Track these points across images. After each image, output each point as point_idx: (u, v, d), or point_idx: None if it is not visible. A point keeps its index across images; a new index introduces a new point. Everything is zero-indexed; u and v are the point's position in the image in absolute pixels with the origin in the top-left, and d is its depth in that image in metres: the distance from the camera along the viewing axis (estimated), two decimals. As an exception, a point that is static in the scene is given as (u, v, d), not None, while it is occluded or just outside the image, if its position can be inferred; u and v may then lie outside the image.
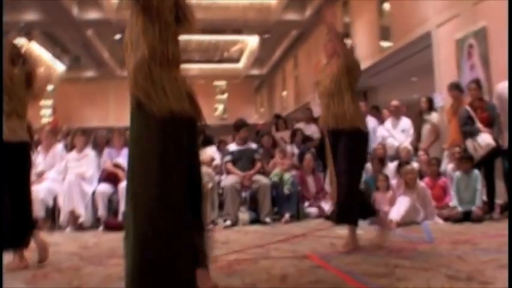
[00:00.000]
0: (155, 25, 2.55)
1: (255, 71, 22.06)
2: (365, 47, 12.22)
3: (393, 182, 6.62)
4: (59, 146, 7.65)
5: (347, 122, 4.39)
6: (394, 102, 8.48)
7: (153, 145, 2.45)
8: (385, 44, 11.33)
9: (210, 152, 7.23)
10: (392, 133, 8.23)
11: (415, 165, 6.91)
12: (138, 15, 2.58)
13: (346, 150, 4.39)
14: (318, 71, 4.84)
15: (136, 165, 2.50)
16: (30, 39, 15.58)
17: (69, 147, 7.89)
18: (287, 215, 6.80)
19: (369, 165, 7.25)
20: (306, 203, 7.30)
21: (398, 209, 5.91)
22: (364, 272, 3.36)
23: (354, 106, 4.44)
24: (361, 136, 4.52)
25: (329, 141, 4.58)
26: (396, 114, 8.36)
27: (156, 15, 2.55)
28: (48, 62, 17.78)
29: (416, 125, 8.33)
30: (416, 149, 7.90)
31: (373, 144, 7.73)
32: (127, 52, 2.65)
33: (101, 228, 6.69)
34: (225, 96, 24.05)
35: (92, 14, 14.77)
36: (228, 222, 6.58)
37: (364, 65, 12.07)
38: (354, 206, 4.43)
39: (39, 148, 7.51)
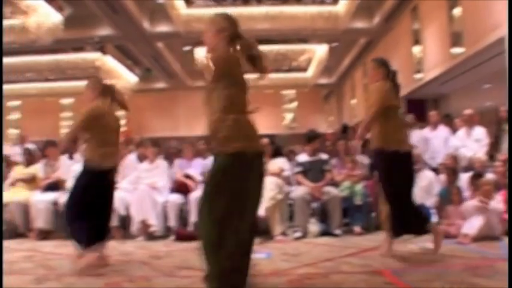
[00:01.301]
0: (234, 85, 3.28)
1: (324, 80, 21.93)
2: (435, 54, 11.97)
3: (466, 194, 6.43)
4: (132, 157, 7.86)
5: (391, 143, 4.81)
6: (468, 111, 8.25)
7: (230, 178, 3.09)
8: (456, 50, 11.03)
9: (279, 163, 7.24)
10: (465, 143, 8.01)
11: (490, 176, 6.69)
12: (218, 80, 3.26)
13: (385, 167, 4.88)
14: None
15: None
16: (104, 52, 16.20)
17: (142, 158, 8.11)
18: (358, 227, 6.73)
19: (442, 177, 7.08)
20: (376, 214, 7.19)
21: (472, 222, 5.73)
22: (438, 291, 3.30)
23: (395, 129, 4.86)
24: (405, 156, 4.86)
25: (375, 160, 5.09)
26: (469, 123, 8.12)
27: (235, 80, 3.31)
28: (122, 73, 18.33)
29: (492, 134, 8.07)
30: (492, 158, 7.64)
31: (445, 154, 7.56)
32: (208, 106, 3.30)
33: (172, 237, 6.84)
34: (294, 105, 24.01)
35: (162, 27, 15.14)
36: (298, 234, 6.58)
37: (434, 72, 11.87)
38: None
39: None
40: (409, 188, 4.82)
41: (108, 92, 5.14)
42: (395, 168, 4.77)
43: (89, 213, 4.69)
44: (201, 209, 3.13)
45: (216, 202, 3.02)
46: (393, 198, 4.77)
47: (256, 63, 3.42)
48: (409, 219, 4.77)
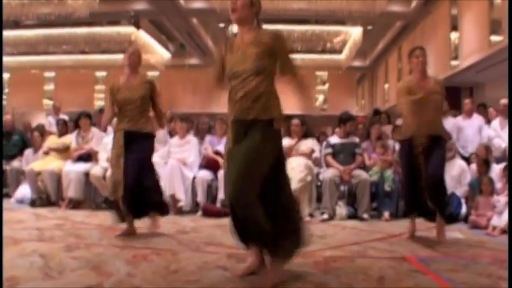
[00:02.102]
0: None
1: (357, 63, 21.72)
2: (473, 41, 11.71)
3: (499, 185, 6.32)
4: (163, 131, 7.93)
5: (443, 132, 5.08)
6: (504, 101, 8.08)
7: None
8: (495, 38, 10.78)
9: (310, 144, 7.21)
10: (499, 133, 7.87)
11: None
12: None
13: (443, 153, 5.04)
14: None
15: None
16: (138, 27, 16.28)
17: (173, 133, 8.16)
18: (386, 213, 6.69)
19: (473, 167, 6.98)
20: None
21: (503, 215, 5.65)
22: (465, 281, 3.27)
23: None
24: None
25: (423, 146, 4.90)
26: (505, 113, 7.96)
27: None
28: (155, 49, 18.42)
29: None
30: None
31: (478, 144, 7.44)
32: None
33: (199, 213, 6.90)
34: (326, 86, 23.86)
35: (197, 3, 15.12)
36: (325, 216, 6.58)
37: (471, 59, 11.62)
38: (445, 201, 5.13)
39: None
40: None
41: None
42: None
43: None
44: None
45: None
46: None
47: None
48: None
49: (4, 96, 24.09)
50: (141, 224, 5.19)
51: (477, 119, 8.40)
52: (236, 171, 3.16)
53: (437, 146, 4.90)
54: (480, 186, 6.28)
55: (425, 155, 4.83)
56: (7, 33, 17.14)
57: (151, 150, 5.26)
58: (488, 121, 8.40)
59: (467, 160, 7.40)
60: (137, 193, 4.89)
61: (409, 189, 5.13)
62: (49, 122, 10.69)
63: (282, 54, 3.40)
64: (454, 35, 12.92)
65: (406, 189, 5.36)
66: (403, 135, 5.10)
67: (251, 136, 3.26)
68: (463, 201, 6.57)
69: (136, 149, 4.94)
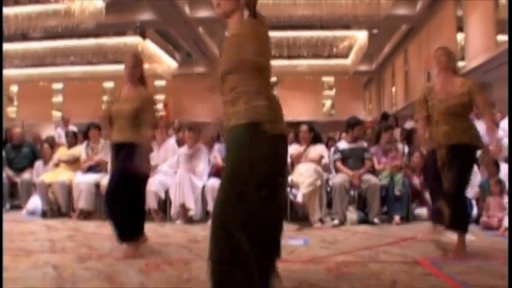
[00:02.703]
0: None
1: (364, 67, 21.76)
2: (479, 41, 11.70)
3: (508, 186, 6.30)
4: (171, 140, 7.93)
5: (473, 138, 4.59)
6: None
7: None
8: (501, 37, 10.76)
9: (318, 150, 7.22)
10: (508, 134, 7.83)
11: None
12: None
13: (467, 163, 4.59)
14: (428, 68, 4.92)
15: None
16: (144, 37, 16.38)
17: (181, 142, 8.18)
18: (397, 217, 6.67)
19: (483, 169, 6.96)
20: (414, 204, 7.13)
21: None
22: (478, 283, 3.26)
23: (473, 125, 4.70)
24: (476, 151, 4.83)
25: (447, 156, 4.53)
26: (514, 112, 7.92)
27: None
28: (162, 58, 18.51)
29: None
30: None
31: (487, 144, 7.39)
32: None
33: (210, 222, 6.88)
34: (333, 92, 23.88)
35: (203, 12, 15.19)
36: (336, 221, 6.57)
37: (478, 60, 11.60)
38: (467, 214, 4.64)
39: (154, 142, 7.81)
40: None
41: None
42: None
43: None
44: None
45: None
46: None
47: None
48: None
49: (13, 109, 24.26)
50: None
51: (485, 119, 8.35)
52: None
53: (460, 156, 4.49)
54: (490, 187, 6.27)
55: (448, 166, 4.53)
56: (15, 46, 17.34)
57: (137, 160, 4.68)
58: (496, 124, 8.35)
59: (477, 161, 7.36)
60: (116, 205, 4.55)
61: (434, 201, 4.94)
62: (58, 134, 10.75)
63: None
64: (460, 36, 12.92)
65: (431, 200, 5.22)
66: (428, 147, 4.87)
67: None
68: (474, 202, 6.55)
69: (120, 158, 4.65)
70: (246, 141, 2.64)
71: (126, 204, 4.49)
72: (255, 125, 2.63)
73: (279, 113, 2.76)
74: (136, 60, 4.98)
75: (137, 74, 4.89)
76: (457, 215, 4.43)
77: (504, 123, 8.01)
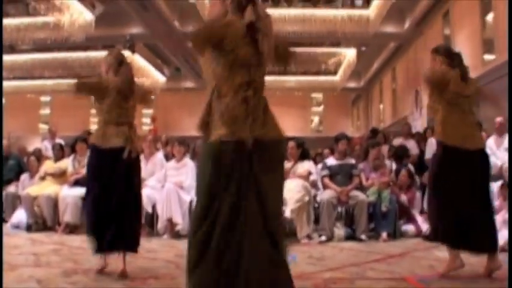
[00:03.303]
0: (220, 56, 2.58)
1: (352, 84, 21.88)
2: (466, 60, 11.57)
3: (496, 203, 6.32)
4: (159, 155, 7.91)
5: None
6: (499, 119, 8.07)
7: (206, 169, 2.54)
8: (488, 56, 10.87)
9: (306, 166, 7.22)
10: (495, 152, 7.87)
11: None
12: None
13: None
14: None
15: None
16: (133, 51, 16.37)
17: (169, 157, 8.15)
18: (384, 234, 6.67)
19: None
20: (401, 221, 7.14)
21: (502, 233, 5.63)
22: (466, 301, 3.25)
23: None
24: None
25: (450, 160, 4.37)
26: (500, 131, 7.97)
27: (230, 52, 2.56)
28: (150, 72, 18.51)
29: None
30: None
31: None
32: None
33: (197, 237, 6.84)
34: (321, 108, 23.97)
35: (192, 27, 15.21)
36: (323, 238, 6.56)
37: (467, 78, 11.67)
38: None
39: (141, 156, 7.75)
40: None
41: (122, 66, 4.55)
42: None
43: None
44: None
45: None
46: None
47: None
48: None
49: (-1, 121, 24.06)
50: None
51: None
52: None
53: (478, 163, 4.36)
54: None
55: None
56: (3, 58, 17.25)
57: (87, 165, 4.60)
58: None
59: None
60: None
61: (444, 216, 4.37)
62: (45, 147, 10.67)
63: None
64: (447, 55, 13.01)
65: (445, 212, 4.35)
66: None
67: None
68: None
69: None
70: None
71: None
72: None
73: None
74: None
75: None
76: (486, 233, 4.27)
77: (490, 142, 8.05)
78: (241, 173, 2.48)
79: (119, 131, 4.36)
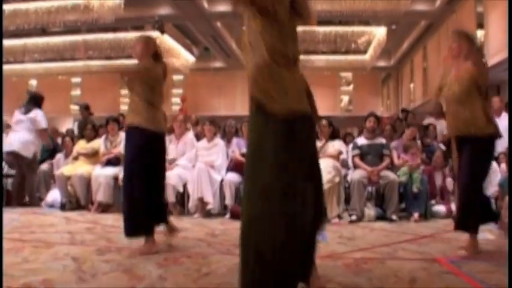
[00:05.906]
0: (273, 25, 2.54)
1: (382, 63, 21.59)
2: (499, 39, 11.55)
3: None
4: (190, 134, 7.96)
5: (479, 129, 4.30)
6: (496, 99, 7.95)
7: (274, 146, 2.43)
8: (521, 35, 10.61)
9: (337, 146, 7.20)
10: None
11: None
12: (255, 16, 2.59)
13: (474, 156, 4.31)
14: (447, 66, 4.67)
15: (255, 166, 2.50)
16: (162, 31, 16.40)
17: (199, 136, 8.21)
18: (416, 214, 6.63)
19: (503, 166, 6.89)
20: (433, 201, 7.08)
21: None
22: (498, 283, 3.22)
23: (484, 112, 4.34)
24: (491, 142, 4.44)
25: (456, 147, 4.49)
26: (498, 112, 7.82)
27: (274, 15, 2.53)
28: (180, 53, 18.54)
29: None
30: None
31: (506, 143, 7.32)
32: (245, 54, 2.70)
33: (228, 215, 6.91)
34: (351, 87, 23.74)
35: (221, 7, 15.16)
36: (354, 217, 6.56)
37: (498, 58, 11.44)
38: (475, 213, 4.37)
39: (172, 136, 7.83)
40: None
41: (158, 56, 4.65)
42: (493, 155, 4.72)
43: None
44: None
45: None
46: (478, 188, 4.42)
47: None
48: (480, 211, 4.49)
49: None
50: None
51: (505, 117, 8.27)
52: None
53: (467, 148, 4.33)
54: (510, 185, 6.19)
55: (458, 160, 4.45)
56: (35, 40, 17.48)
57: (135, 146, 4.46)
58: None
59: (497, 159, 7.29)
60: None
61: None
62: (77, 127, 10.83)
63: None
64: (480, 33, 12.76)
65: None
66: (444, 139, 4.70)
67: None
68: (493, 201, 6.49)
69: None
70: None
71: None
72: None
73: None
74: (140, 39, 4.73)
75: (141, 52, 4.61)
76: (465, 214, 4.38)
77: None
78: (313, 148, 2.60)
79: (162, 115, 4.57)
